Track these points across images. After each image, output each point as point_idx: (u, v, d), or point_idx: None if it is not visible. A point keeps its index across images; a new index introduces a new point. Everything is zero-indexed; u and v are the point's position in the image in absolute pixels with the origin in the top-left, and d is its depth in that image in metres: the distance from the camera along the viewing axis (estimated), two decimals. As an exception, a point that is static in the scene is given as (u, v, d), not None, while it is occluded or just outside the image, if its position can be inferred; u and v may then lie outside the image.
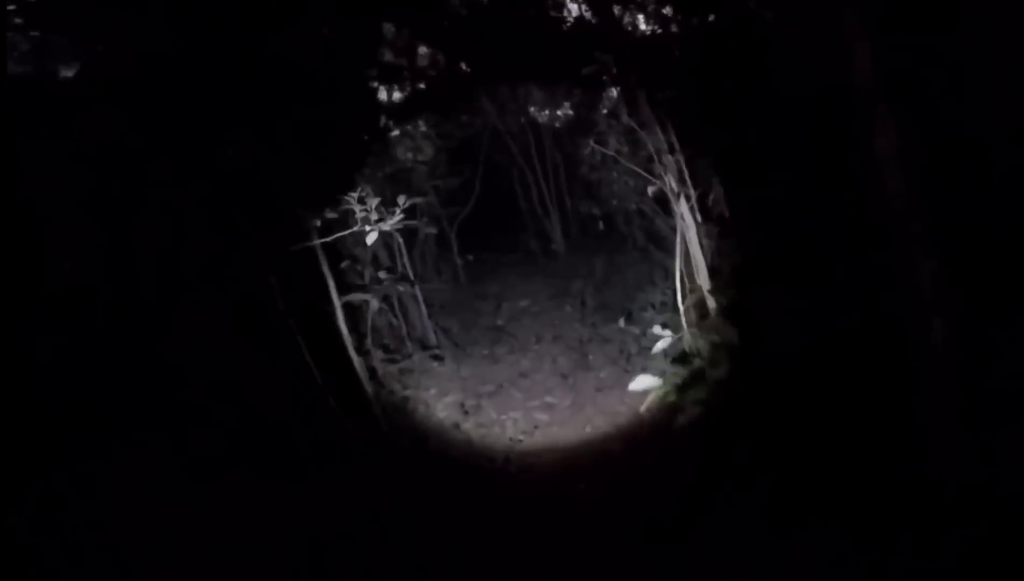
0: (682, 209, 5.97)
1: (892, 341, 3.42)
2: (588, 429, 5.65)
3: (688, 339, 5.24)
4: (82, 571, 3.22)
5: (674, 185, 5.97)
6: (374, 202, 4.89)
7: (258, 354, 4.47)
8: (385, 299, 7.21)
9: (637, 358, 6.65)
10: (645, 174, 6.27)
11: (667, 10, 6.72)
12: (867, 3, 3.16)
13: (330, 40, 7.24)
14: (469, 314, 8.89)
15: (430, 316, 7.89)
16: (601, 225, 9.65)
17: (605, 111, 7.68)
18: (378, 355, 6.82)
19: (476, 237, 9.93)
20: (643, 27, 6.86)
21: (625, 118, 6.58)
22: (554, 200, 10.61)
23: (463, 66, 9.10)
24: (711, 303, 5.35)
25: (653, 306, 7.34)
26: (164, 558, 3.42)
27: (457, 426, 6.15)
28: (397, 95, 9.08)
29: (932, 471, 3.26)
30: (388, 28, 8.58)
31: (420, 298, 7.68)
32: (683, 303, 5.54)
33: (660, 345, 4.87)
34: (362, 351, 6.36)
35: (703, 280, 5.77)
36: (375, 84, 8.73)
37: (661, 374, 4.53)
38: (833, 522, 3.34)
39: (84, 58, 4.22)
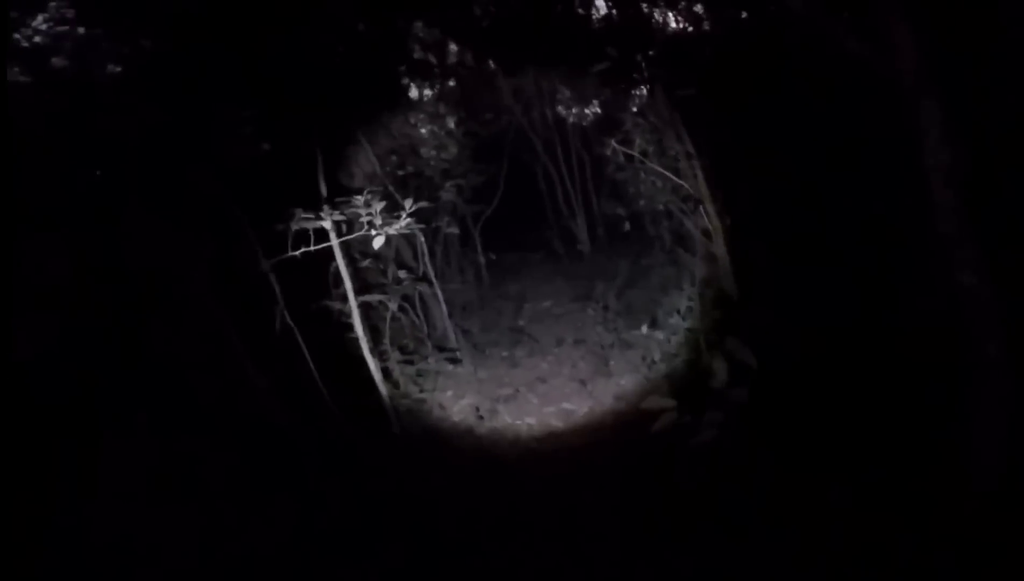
0: (708, 211, 5.76)
1: (937, 356, 3.24)
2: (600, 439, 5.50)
3: (706, 356, 5.03)
4: (80, 572, 3.21)
5: (701, 186, 5.77)
6: (379, 206, 4.79)
7: (261, 355, 4.42)
8: (406, 299, 7.15)
9: (660, 365, 6.46)
10: (669, 175, 6.07)
11: (698, 7, 6.52)
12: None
13: (362, 36, 7.24)
14: (491, 314, 8.79)
15: (451, 316, 7.81)
16: (627, 225, 9.43)
17: (635, 109, 7.50)
18: (395, 356, 6.75)
19: (500, 236, 9.82)
20: (673, 24, 6.66)
21: (652, 117, 6.40)
22: (579, 199, 10.44)
23: (491, 63, 9.05)
24: (736, 314, 5.15)
25: (679, 312, 7.12)
26: (162, 561, 3.39)
27: (471, 430, 6.04)
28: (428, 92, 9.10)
29: (976, 488, 3.08)
30: (418, 25, 8.58)
31: (441, 298, 7.59)
32: (702, 313, 5.33)
33: (667, 364, 4.67)
34: (379, 352, 6.30)
35: (730, 287, 5.56)
36: (406, 80, 8.74)
37: (671, 393, 4.36)
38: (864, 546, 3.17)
39: (90, 56, 4.22)
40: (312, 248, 4.82)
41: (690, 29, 6.60)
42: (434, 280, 7.48)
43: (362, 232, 4.91)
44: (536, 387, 6.73)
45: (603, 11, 7.81)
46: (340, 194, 5.20)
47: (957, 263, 2.83)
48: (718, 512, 3.62)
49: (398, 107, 8.14)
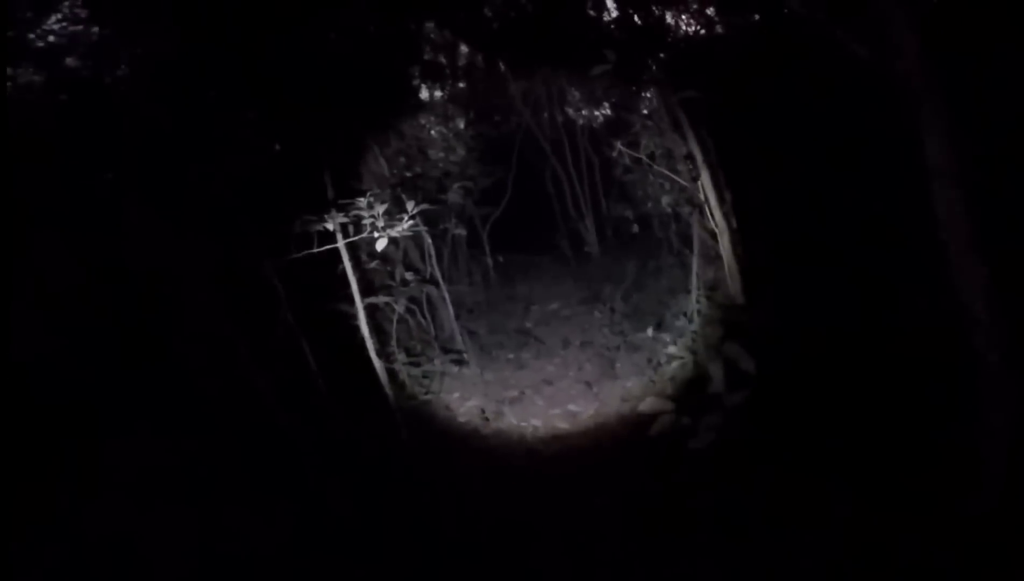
0: (714, 213, 5.73)
1: (938, 356, 3.21)
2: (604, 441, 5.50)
3: (704, 359, 5.01)
4: (82, 571, 3.25)
5: (707, 189, 5.75)
6: (381, 209, 4.82)
7: (265, 357, 4.45)
8: (413, 300, 7.17)
9: (666, 368, 6.44)
10: (675, 177, 6.05)
11: (706, 10, 6.49)
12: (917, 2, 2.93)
13: (373, 37, 7.27)
14: (498, 316, 8.79)
15: (458, 318, 7.81)
16: (635, 228, 9.40)
17: (645, 111, 7.48)
18: (401, 357, 6.78)
19: (508, 238, 9.82)
20: (680, 27, 6.64)
21: (659, 119, 6.38)
22: (588, 201, 10.41)
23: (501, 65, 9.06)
24: (741, 316, 5.12)
25: (686, 314, 7.10)
26: (163, 560, 3.43)
27: (476, 432, 6.05)
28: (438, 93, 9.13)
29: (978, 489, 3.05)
30: (429, 27, 8.61)
31: (448, 300, 7.61)
32: (707, 316, 5.30)
33: (672, 367, 4.66)
34: (385, 353, 6.33)
35: (735, 290, 5.53)
36: (416, 82, 8.77)
37: (673, 396, 4.36)
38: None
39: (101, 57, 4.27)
40: (317, 250, 4.85)
41: (699, 32, 6.58)
42: (441, 282, 7.50)
43: (367, 234, 4.93)
44: (542, 389, 6.73)
45: (613, 13, 7.80)
46: (348, 196, 5.23)
47: (957, 265, 2.81)
48: (718, 513, 3.61)
49: (407, 109, 8.17)
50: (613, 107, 9.78)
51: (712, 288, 5.84)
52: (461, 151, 8.46)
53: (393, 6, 7.29)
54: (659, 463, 4.17)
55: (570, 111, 10.53)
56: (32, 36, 4.42)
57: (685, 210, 7.28)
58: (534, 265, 10.46)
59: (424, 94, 8.82)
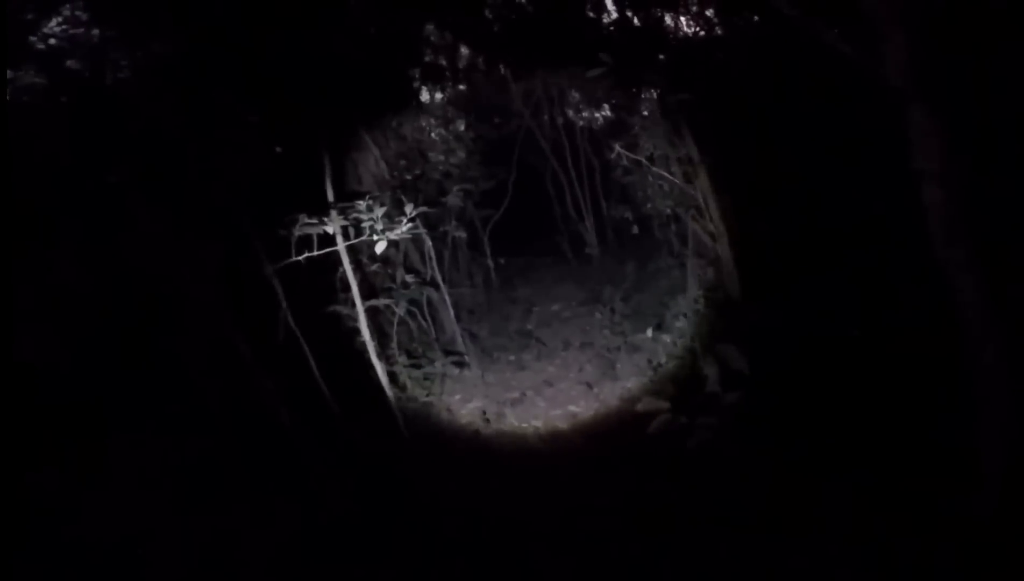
0: (713, 214, 5.74)
1: (937, 356, 3.22)
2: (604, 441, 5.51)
3: (703, 360, 5.00)
4: (84, 571, 3.26)
5: (704, 190, 5.76)
6: (381, 211, 4.83)
7: (267, 359, 4.47)
8: (413, 303, 7.18)
9: (665, 368, 6.45)
10: (674, 179, 6.06)
11: (705, 13, 6.51)
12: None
13: (373, 39, 7.30)
14: (499, 318, 8.80)
15: (459, 320, 7.82)
16: (635, 229, 9.41)
17: (645, 113, 7.50)
18: (402, 360, 6.79)
19: (509, 240, 9.82)
20: (679, 29, 6.66)
21: (658, 122, 6.40)
22: (588, 203, 10.42)
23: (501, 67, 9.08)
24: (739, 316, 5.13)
25: (686, 315, 7.10)
26: (165, 560, 3.44)
27: (477, 433, 6.06)
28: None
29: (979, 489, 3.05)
30: (429, 28, 8.63)
31: (448, 302, 7.62)
32: (705, 316, 5.31)
33: (671, 367, 4.66)
34: (386, 355, 6.34)
35: (734, 290, 5.54)
36: (416, 84, 8.79)
37: (671, 396, 4.36)
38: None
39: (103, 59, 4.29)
40: (317, 253, 4.86)
41: (698, 33, 6.60)
42: (442, 284, 7.50)
43: (366, 237, 4.95)
44: (543, 390, 6.74)
45: (613, 15, 7.82)
46: (349, 198, 5.25)
47: (950, 265, 2.80)
48: (715, 512, 3.61)
49: (408, 111, 8.18)
50: (613, 109, 9.82)
51: (711, 289, 5.84)
52: (461, 153, 8.46)
53: (393, 8, 7.32)
54: (658, 463, 4.18)
55: (570, 113, 10.55)
56: (33, 38, 4.44)
57: (684, 211, 7.31)
58: (535, 267, 10.47)
59: (425, 96, 8.84)
